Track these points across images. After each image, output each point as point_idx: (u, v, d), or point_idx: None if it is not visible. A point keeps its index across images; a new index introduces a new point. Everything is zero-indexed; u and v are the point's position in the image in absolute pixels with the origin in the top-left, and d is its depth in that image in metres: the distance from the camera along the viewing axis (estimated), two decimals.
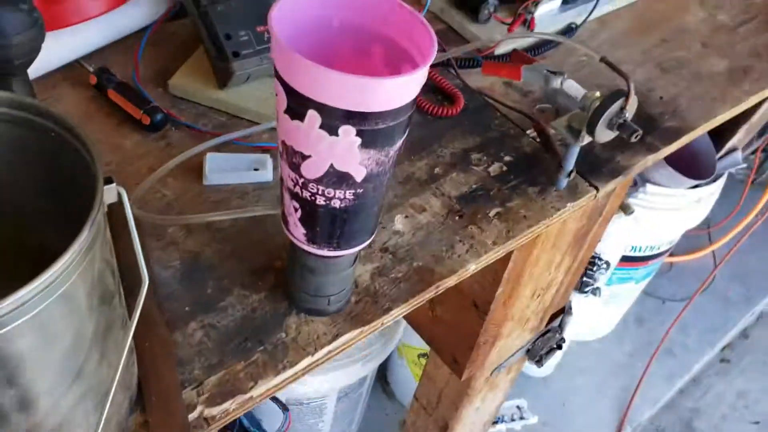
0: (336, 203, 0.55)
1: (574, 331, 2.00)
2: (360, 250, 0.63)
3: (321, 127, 0.50)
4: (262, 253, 0.72)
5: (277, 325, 0.67)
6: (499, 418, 1.75)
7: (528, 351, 1.18)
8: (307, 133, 0.51)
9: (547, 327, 1.16)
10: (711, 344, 2.16)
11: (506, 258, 0.88)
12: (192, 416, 0.60)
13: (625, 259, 1.76)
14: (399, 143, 0.54)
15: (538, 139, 0.89)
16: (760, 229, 2.38)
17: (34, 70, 0.83)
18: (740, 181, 2.60)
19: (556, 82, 0.77)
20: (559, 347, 1.18)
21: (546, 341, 1.16)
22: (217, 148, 0.79)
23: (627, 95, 0.72)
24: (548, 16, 1.04)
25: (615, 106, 0.73)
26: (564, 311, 1.17)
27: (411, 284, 0.72)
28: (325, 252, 0.60)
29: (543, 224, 0.81)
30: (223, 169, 0.78)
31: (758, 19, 1.17)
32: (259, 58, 0.83)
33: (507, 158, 0.87)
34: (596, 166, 0.87)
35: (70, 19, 0.79)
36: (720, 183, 1.68)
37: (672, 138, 0.94)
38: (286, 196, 0.58)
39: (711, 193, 1.66)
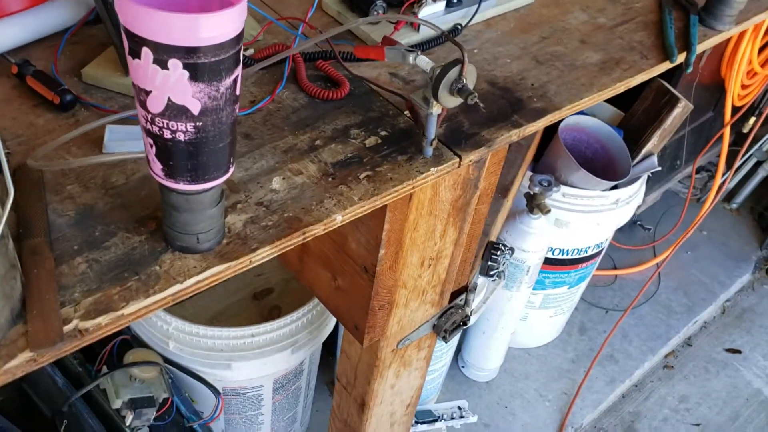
0: (180, 136, 0.66)
1: (517, 338, 2.08)
2: (219, 187, 0.73)
3: (154, 62, 0.61)
4: (149, 206, 0.83)
5: (153, 260, 0.77)
6: (438, 417, 1.82)
7: (434, 327, 1.27)
8: (145, 69, 0.62)
9: (450, 303, 1.26)
10: (653, 351, 2.24)
11: (381, 219, 0.98)
12: (67, 328, 0.70)
13: (554, 263, 1.86)
14: (229, 80, 0.65)
15: (409, 116, 1.00)
16: (702, 243, 2.49)
17: None
18: (684, 199, 2.73)
19: (410, 58, 0.89)
20: (464, 324, 1.27)
21: (450, 316, 1.25)
22: (118, 124, 0.90)
23: (462, 62, 0.84)
24: (433, 18, 1.16)
25: (453, 72, 0.84)
26: (467, 288, 1.27)
27: (280, 230, 0.83)
28: (182, 186, 0.70)
29: (408, 184, 0.91)
30: (121, 138, 0.89)
31: (636, 21, 1.30)
32: None
33: (383, 133, 0.98)
34: (461, 139, 0.98)
35: None
36: (639, 185, 1.79)
37: (537, 116, 1.05)
38: (144, 135, 0.69)
39: (630, 195, 1.77)
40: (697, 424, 2.10)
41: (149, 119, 0.66)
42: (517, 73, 1.13)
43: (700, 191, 2.73)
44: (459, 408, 1.88)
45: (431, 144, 0.94)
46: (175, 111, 0.64)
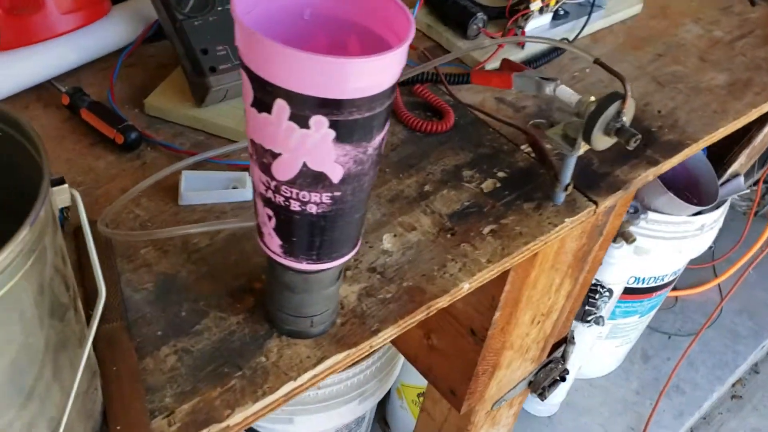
0: (312, 208, 0.51)
1: (579, 368, 1.93)
2: (343, 265, 0.58)
3: (291, 118, 0.46)
4: (241, 274, 0.68)
5: (257, 349, 0.62)
6: None
7: (530, 383, 1.12)
8: (276, 126, 0.47)
9: (549, 357, 1.11)
10: (721, 380, 2.09)
11: (502, 280, 0.83)
12: None
13: (629, 291, 1.70)
14: (378, 139, 0.50)
15: (532, 154, 0.85)
16: (766, 260, 2.33)
17: (5, 90, 0.79)
18: (743, 213, 2.57)
19: (549, 89, 0.74)
20: (563, 379, 1.12)
21: (549, 372, 1.10)
22: (194, 168, 0.75)
23: (624, 97, 0.69)
24: (538, 32, 1.01)
25: (611, 109, 0.69)
26: (566, 340, 1.12)
27: (401, 305, 0.67)
28: (304, 265, 0.55)
29: (540, 240, 0.76)
30: (199, 187, 0.73)
31: (755, 34, 1.14)
32: (237, 73, 0.79)
33: (500, 174, 0.83)
34: (594, 181, 0.83)
35: (38, 35, 0.76)
36: (723, 210, 1.63)
37: (673, 151, 0.90)
38: (259, 204, 0.54)
39: (714, 220, 1.62)
40: None
41: (273, 187, 0.51)
42: (640, 97, 0.98)
43: (757, 205, 2.57)
44: None
45: (565, 189, 0.78)
46: (310, 179, 0.49)
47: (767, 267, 2.40)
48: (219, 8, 0.80)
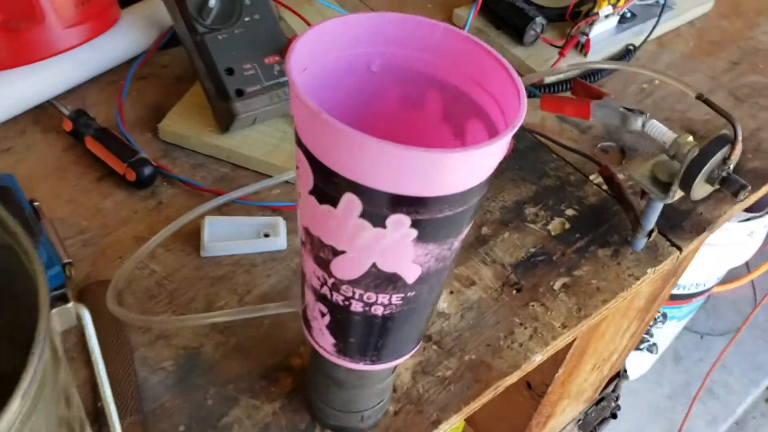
0: (378, 310, 0.40)
1: None
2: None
3: (362, 215, 0.35)
4: (276, 348, 0.57)
5: None
6: None
7: (579, 422, 1.02)
8: (342, 223, 0.36)
9: (601, 394, 1.01)
10: (755, 383, 2.00)
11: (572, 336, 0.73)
12: None
13: (671, 298, 1.60)
14: (467, 230, 0.39)
15: (603, 186, 0.74)
16: None
17: (0, 113, 0.69)
18: None
19: (636, 124, 0.63)
20: (614, 416, 1.03)
21: (600, 411, 1.01)
22: (219, 209, 0.65)
23: (733, 142, 0.57)
24: (604, 37, 0.89)
25: (718, 156, 0.58)
26: (619, 375, 1.02)
27: (463, 385, 0.57)
28: (359, 366, 0.45)
29: (620, 297, 0.66)
30: (225, 236, 0.63)
31: None
32: (268, 97, 0.68)
33: (569, 212, 0.72)
34: (676, 221, 0.72)
35: (37, 53, 0.65)
36: None
37: (759, 181, 0.79)
38: (310, 296, 0.43)
39: (765, 225, 1.51)
40: None
41: (330, 284, 0.40)
42: (717, 116, 0.86)
43: None
44: None
45: (648, 236, 0.68)
46: (379, 280, 0.38)
47: None
48: (246, 18, 0.69)
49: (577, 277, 0.66)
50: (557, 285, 0.65)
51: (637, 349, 1.15)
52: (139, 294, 0.59)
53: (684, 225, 0.72)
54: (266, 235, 0.63)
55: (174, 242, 0.63)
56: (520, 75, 0.37)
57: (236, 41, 0.68)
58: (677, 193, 0.61)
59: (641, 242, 0.68)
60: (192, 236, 0.63)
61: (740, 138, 0.57)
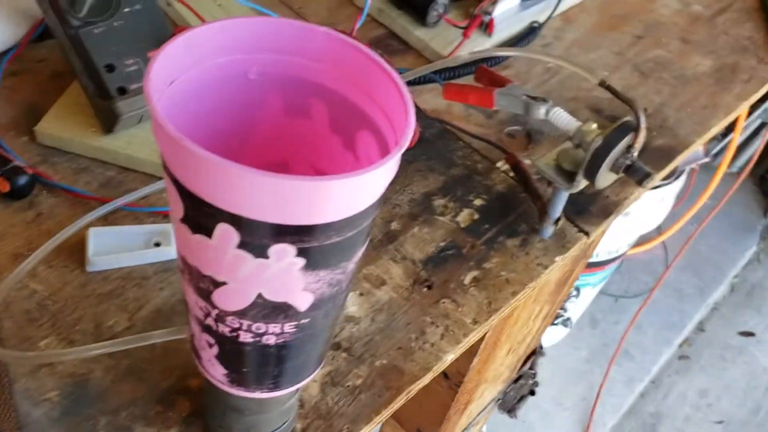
0: (270, 339, 0.37)
1: None
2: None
3: (241, 246, 0.32)
4: (172, 369, 0.53)
5: None
6: None
7: (499, 401, 1.02)
8: (219, 253, 0.32)
9: (518, 373, 1.01)
10: (669, 342, 2.07)
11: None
12: None
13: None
14: (361, 252, 0.36)
15: (512, 174, 0.72)
16: (704, 212, 2.30)
17: None
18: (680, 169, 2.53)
19: (539, 112, 0.61)
20: (533, 393, 1.03)
21: (519, 389, 1.01)
22: (105, 218, 0.60)
23: (636, 129, 0.56)
24: (507, 15, 0.87)
25: (621, 144, 0.57)
26: (535, 352, 1.02)
27: (374, 393, 0.55)
28: (256, 395, 0.42)
29: (530, 288, 0.65)
30: (112, 248, 0.58)
31: (735, 7, 1.03)
32: None
33: (477, 201, 0.70)
34: (583, 205, 0.72)
35: None
36: (681, 180, 1.56)
37: (665, 160, 0.79)
38: (195, 326, 0.39)
39: (673, 191, 1.54)
40: (720, 422, 1.95)
41: (214, 316, 0.37)
42: (623, 92, 0.86)
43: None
44: None
45: (555, 224, 0.67)
46: (268, 310, 0.35)
47: (711, 222, 2.38)
48: (126, 9, 0.63)
49: (487, 270, 0.65)
50: (467, 279, 0.64)
51: (552, 324, 1.16)
52: (19, 317, 0.54)
53: (591, 209, 0.72)
54: (157, 245, 0.59)
55: (56, 257, 0.58)
56: (424, 57, 0.34)
57: (116, 35, 0.63)
58: (582, 183, 0.60)
59: (549, 230, 0.67)
60: (76, 250, 0.58)
61: (643, 125, 0.56)
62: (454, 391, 0.78)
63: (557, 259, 0.67)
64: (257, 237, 0.31)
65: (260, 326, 0.36)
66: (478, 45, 0.84)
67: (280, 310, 0.35)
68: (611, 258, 1.66)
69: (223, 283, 0.34)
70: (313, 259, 0.33)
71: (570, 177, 0.60)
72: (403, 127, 0.33)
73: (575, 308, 1.78)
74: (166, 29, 0.65)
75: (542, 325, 0.90)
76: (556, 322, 1.14)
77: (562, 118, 0.60)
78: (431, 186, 0.71)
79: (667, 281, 2.23)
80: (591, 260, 1.63)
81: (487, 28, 0.84)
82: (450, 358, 0.59)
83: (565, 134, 0.61)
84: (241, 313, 0.35)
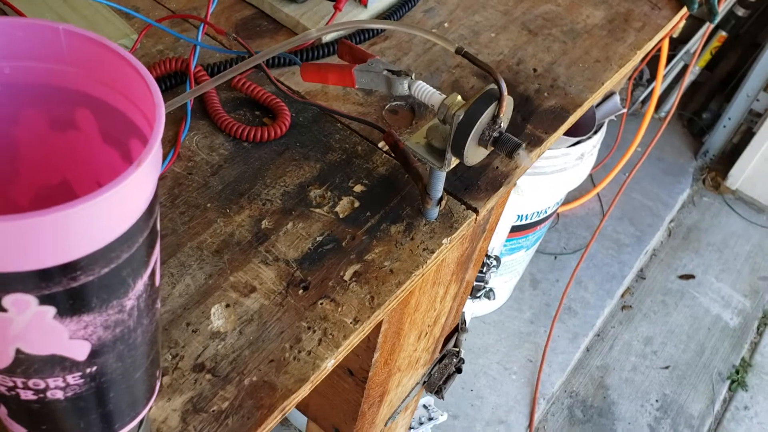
0: (57, 394, 0.32)
1: (470, 309, 1.84)
2: (137, 423, 0.40)
3: None
4: None
5: None
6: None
7: (425, 384, 0.99)
8: None
9: (441, 352, 0.98)
10: (610, 294, 2.07)
11: (378, 322, 0.67)
12: None
13: (513, 230, 1.60)
14: (141, 282, 0.31)
15: (393, 154, 0.68)
16: (635, 160, 2.30)
17: None
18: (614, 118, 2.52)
19: (401, 87, 0.56)
20: (459, 371, 1.00)
21: (444, 369, 0.97)
22: None
23: (500, 98, 0.52)
24: None
25: (485, 117, 0.52)
26: (458, 329, 0.99)
27: (243, 416, 0.50)
28: None
29: (416, 276, 0.60)
30: None
31: None
32: None
33: (358, 188, 0.65)
34: (470, 180, 0.67)
35: None
36: (601, 133, 1.53)
37: (556, 121, 0.75)
38: None
39: (593, 145, 1.52)
40: (666, 367, 1.96)
41: None
42: (511, 53, 0.81)
43: (628, 106, 2.53)
44: (425, 407, 1.63)
45: (438, 204, 0.62)
46: (38, 365, 0.30)
47: (641, 169, 2.39)
48: None
49: (369, 262, 0.60)
50: (348, 274, 0.59)
51: (475, 298, 1.13)
52: None
53: (479, 183, 0.67)
54: None
55: None
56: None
57: None
58: (453, 161, 0.55)
59: (434, 212, 0.62)
60: None
61: (505, 93, 0.51)
62: (361, 387, 0.74)
63: (445, 241, 0.62)
64: None
65: (38, 382, 0.31)
66: (352, 18, 0.79)
67: (54, 363, 0.30)
68: (541, 219, 1.64)
69: None
70: (64, 306, 0.27)
71: (442, 155, 0.56)
72: (151, 111, 0.27)
73: (503, 279, 1.76)
74: None
75: (455, 303, 0.86)
76: (477, 295, 1.11)
77: (425, 92, 0.55)
78: (306, 175, 0.66)
79: (604, 233, 2.23)
80: (519, 223, 1.61)
81: None
82: (330, 364, 0.54)
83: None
84: (8, 371, 0.30)
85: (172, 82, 0.69)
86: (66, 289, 0.27)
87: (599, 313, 2.02)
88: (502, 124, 0.52)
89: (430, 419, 1.62)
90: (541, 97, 0.77)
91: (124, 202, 0.26)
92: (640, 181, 2.37)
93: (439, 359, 0.97)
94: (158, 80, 0.68)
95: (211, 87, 0.57)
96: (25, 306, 0.26)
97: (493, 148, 0.53)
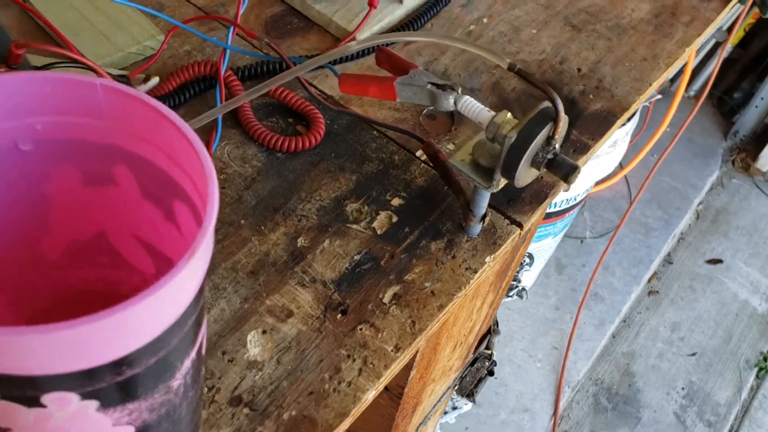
0: None
1: None
2: None
3: (4, 397, 0.24)
4: None
5: None
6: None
7: (456, 388, 0.97)
8: None
9: (474, 356, 0.95)
10: (637, 279, 2.04)
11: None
12: None
13: (543, 217, 1.57)
14: (189, 361, 0.28)
15: (432, 164, 0.65)
16: (665, 140, 2.24)
17: None
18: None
19: (447, 103, 0.53)
20: (491, 373, 0.98)
21: (475, 373, 0.95)
22: None
23: (555, 118, 0.48)
24: None
25: (539, 139, 0.49)
26: (490, 331, 0.96)
27: None
28: None
29: (458, 297, 0.58)
30: None
31: None
32: None
33: (395, 201, 0.62)
34: (514, 193, 0.64)
35: None
36: (634, 120, 1.49)
37: (602, 127, 0.72)
38: None
39: (626, 132, 1.47)
40: (693, 354, 1.94)
41: None
42: (553, 51, 0.78)
43: None
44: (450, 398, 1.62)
45: (481, 221, 0.59)
46: None
47: (672, 150, 2.33)
48: None
49: (409, 283, 0.57)
50: (387, 297, 0.56)
51: (507, 296, 1.10)
52: None
53: (523, 195, 0.64)
54: None
55: None
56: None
57: None
58: (502, 181, 0.52)
59: (476, 228, 0.60)
60: None
61: (562, 113, 0.48)
62: (396, 402, 0.72)
63: (488, 259, 0.59)
64: (16, 390, 0.23)
65: None
66: (387, 15, 0.75)
67: None
68: (570, 206, 1.60)
69: (8, 429, 0.26)
70: (108, 398, 0.25)
71: (488, 175, 0.53)
72: (202, 179, 0.25)
73: (530, 275, 1.73)
74: (5, 41, 0.56)
75: (490, 311, 0.84)
76: (510, 295, 1.08)
77: (472, 109, 0.52)
78: (342, 188, 0.63)
79: (632, 216, 2.19)
80: (549, 210, 1.57)
81: None
82: (371, 395, 0.52)
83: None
84: None
85: (200, 87, 0.66)
86: (111, 383, 0.24)
87: (626, 299, 1.99)
88: (556, 146, 0.49)
89: (455, 408, 1.61)
90: (587, 100, 0.73)
91: (176, 293, 0.23)
92: (668, 163, 2.32)
93: (471, 362, 0.95)
94: (186, 85, 0.65)
95: (246, 101, 0.54)
96: (66, 403, 0.24)
97: (546, 171, 0.50)
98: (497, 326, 0.97)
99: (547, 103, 0.50)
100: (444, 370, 0.82)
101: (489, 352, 0.96)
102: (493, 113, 0.51)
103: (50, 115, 0.28)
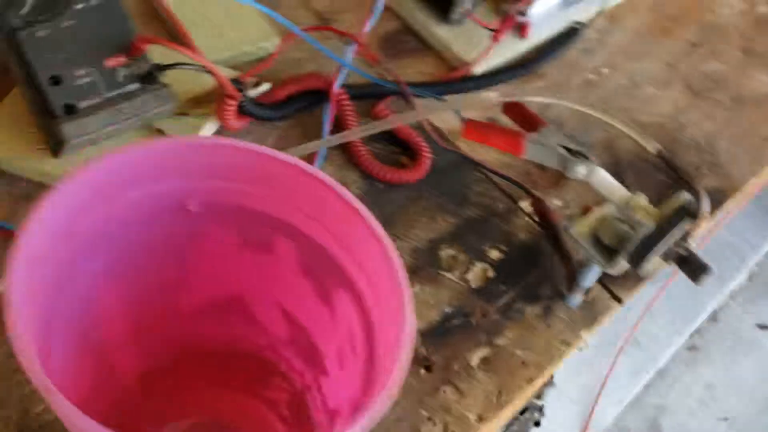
0: None
1: None
2: None
3: None
4: None
5: None
6: None
7: None
8: None
9: (524, 405, 0.92)
10: (680, 332, 1.98)
11: None
12: None
13: None
14: None
15: (536, 219, 0.61)
16: None
17: None
18: None
19: (579, 172, 0.50)
20: (537, 424, 0.95)
21: (522, 423, 0.92)
22: None
23: (696, 215, 0.45)
24: (546, 15, 0.74)
25: (676, 233, 0.45)
26: (545, 383, 0.93)
27: None
28: None
29: (548, 371, 0.55)
30: None
31: None
32: (109, 113, 0.52)
33: (494, 254, 0.59)
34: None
35: None
36: None
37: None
38: None
39: None
40: (725, 418, 1.88)
41: None
42: (671, 116, 0.74)
43: None
44: None
45: (586, 293, 0.56)
46: None
47: None
48: (78, 6, 0.52)
49: (500, 348, 0.54)
50: (475, 359, 0.54)
51: None
52: None
53: (628, 270, 0.61)
54: None
55: None
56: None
57: (64, 38, 0.51)
58: (624, 266, 0.49)
59: (577, 300, 0.56)
60: None
61: (707, 213, 0.45)
62: None
63: (583, 333, 0.56)
64: None
65: None
66: (508, 49, 0.72)
67: None
68: None
69: None
70: None
71: (610, 254, 0.49)
72: (398, 328, 0.22)
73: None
74: (128, 30, 0.53)
75: None
76: None
77: (605, 184, 0.48)
78: (439, 231, 0.60)
79: None
80: None
81: (520, 29, 0.72)
82: None
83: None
84: None
85: (309, 100, 0.63)
86: None
87: (665, 351, 1.94)
88: (693, 244, 0.46)
89: None
90: (699, 175, 0.70)
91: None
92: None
93: (520, 412, 0.92)
94: (295, 98, 0.63)
95: (358, 137, 0.51)
96: None
97: (675, 265, 0.47)
98: (552, 377, 0.93)
99: (687, 195, 0.46)
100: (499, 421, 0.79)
101: (540, 403, 0.93)
102: (628, 194, 0.48)
103: (222, 179, 0.26)
